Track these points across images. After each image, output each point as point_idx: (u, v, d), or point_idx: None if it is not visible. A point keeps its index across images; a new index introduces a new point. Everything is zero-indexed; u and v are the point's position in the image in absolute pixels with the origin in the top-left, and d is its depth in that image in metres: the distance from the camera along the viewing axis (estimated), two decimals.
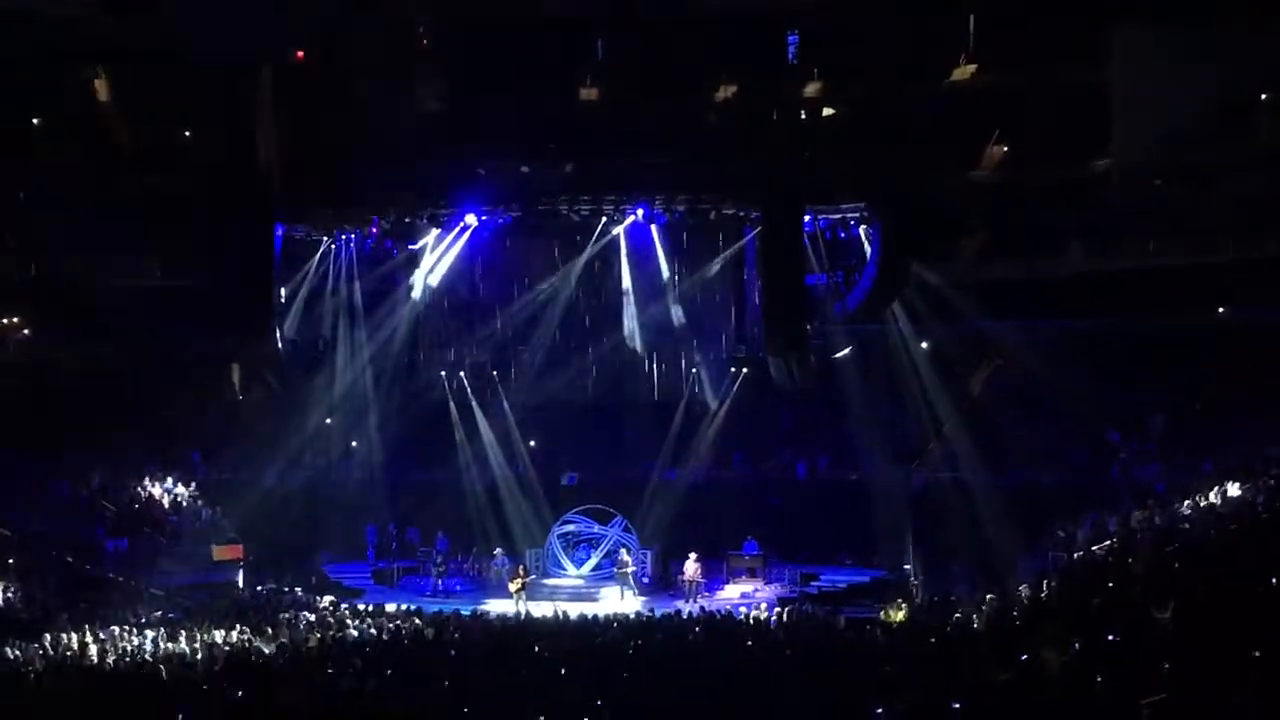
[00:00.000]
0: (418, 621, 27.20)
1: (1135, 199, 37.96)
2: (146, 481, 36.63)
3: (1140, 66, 35.02)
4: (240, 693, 18.59)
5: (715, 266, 40.40)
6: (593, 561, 37.19)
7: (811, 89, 36.71)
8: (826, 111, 37.15)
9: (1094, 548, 28.72)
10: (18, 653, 23.37)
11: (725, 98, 37.02)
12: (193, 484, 37.95)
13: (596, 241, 39.56)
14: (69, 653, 23.67)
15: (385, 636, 25.29)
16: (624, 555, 35.70)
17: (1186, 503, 29.44)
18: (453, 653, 22.56)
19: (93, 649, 23.73)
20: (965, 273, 38.14)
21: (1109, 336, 37.06)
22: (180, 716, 16.69)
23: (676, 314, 40.92)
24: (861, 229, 37.76)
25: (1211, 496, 28.63)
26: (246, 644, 24.20)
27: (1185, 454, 34.90)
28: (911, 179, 35.13)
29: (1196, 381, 36.61)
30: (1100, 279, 37.88)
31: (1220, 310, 37.24)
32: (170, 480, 37.58)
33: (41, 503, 35.37)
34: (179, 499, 37.16)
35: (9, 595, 28.08)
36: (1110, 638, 15.13)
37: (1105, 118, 36.26)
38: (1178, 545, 22.62)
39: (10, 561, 30.06)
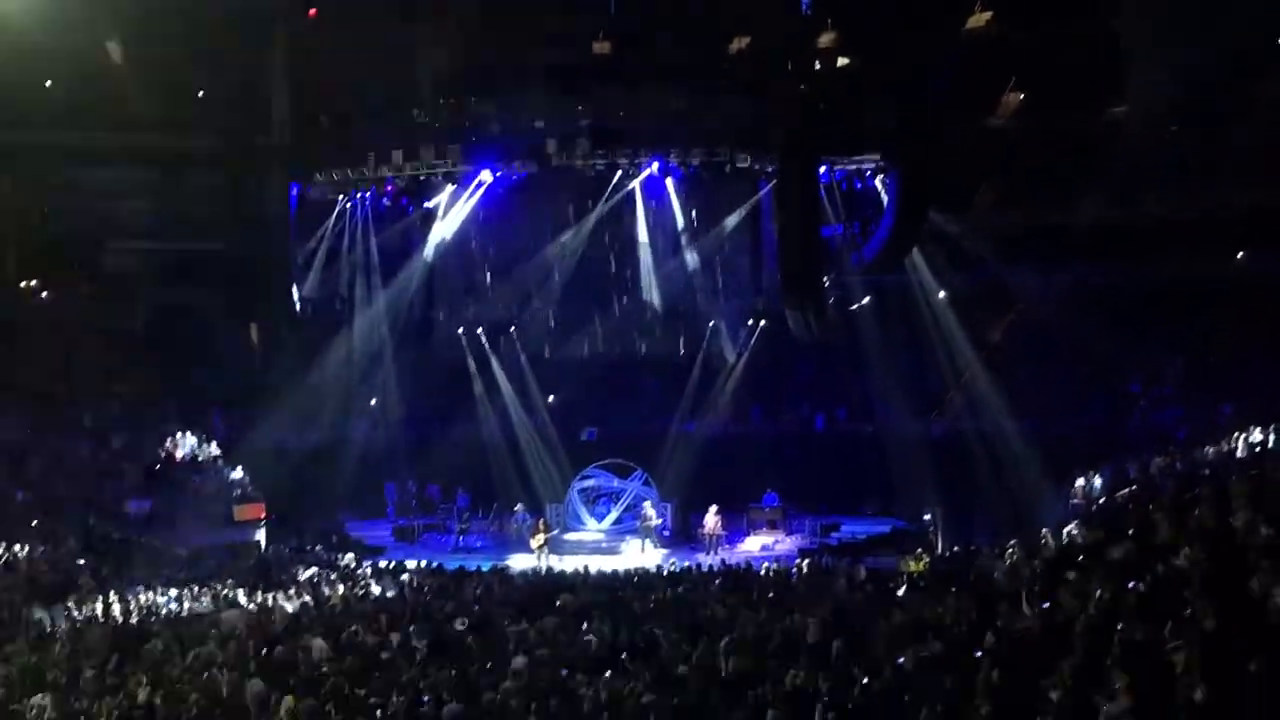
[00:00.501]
0: (439, 578, 27.29)
1: (1151, 147, 37.77)
2: (168, 442, 36.69)
3: (1155, 13, 34.72)
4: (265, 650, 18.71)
5: (731, 219, 40.32)
6: (613, 515, 37.33)
7: (826, 39, 36.45)
8: (841, 62, 36.90)
9: (1114, 495, 28.69)
10: (42, 614, 23.51)
11: (739, 49, 36.81)
12: (213, 443, 38.04)
13: (612, 196, 39.48)
14: (93, 615, 23.81)
15: (407, 594, 25.36)
16: (647, 509, 35.78)
17: (1207, 448, 29.34)
18: (476, 608, 22.63)
19: (116, 609, 23.85)
20: (981, 222, 38.03)
21: (1126, 285, 36.95)
22: (205, 675, 16.78)
23: (693, 267, 40.88)
24: (878, 179, 37.63)
25: (1232, 442, 28.50)
26: (270, 603, 24.31)
27: (1204, 400, 34.84)
28: (927, 129, 34.93)
29: (1214, 328, 36.47)
30: (1116, 227, 37.74)
31: (1237, 256, 37.10)
32: (192, 439, 37.68)
33: (62, 465, 35.49)
34: (201, 458, 37.26)
35: (32, 558, 28.18)
36: (1132, 585, 15.11)
37: (1120, 65, 36.02)
38: (1198, 491, 22.54)
39: (33, 524, 30.17)
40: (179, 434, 36.77)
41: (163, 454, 36.47)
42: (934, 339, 37.55)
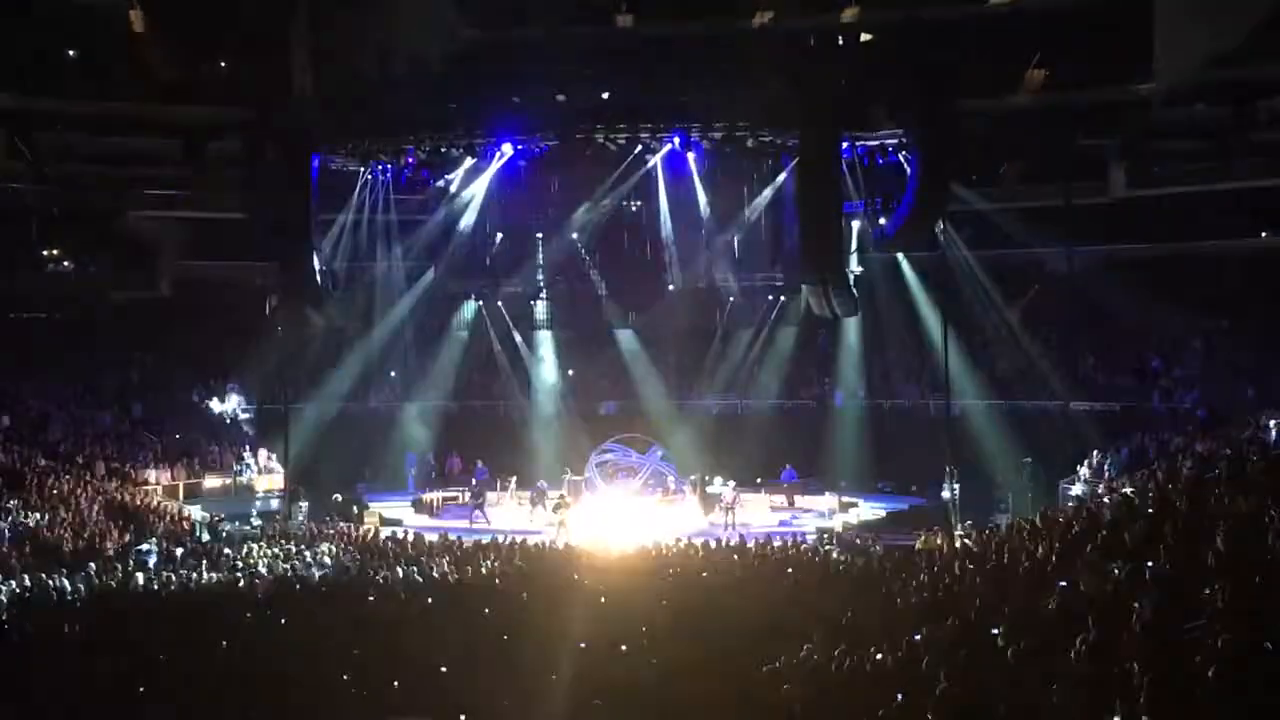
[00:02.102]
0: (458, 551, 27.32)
1: (1177, 122, 37.55)
2: (212, 401, 36.81)
3: None
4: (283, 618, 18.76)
5: (752, 195, 40.19)
6: (631, 489, 37.28)
7: (849, 14, 36.32)
8: (864, 37, 36.75)
9: (1135, 473, 28.60)
10: (65, 582, 23.62)
11: (762, 23, 36.68)
12: (235, 411, 38.16)
13: (633, 170, 39.35)
14: (114, 581, 23.93)
15: (430, 567, 25.39)
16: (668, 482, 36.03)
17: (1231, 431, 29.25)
18: (496, 582, 22.67)
19: (139, 577, 23.96)
20: (1006, 198, 37.90)
21: (1151, 262, 36.80)
22: (225, 643, 16.84)
23: (714, 242, 40.79)
24: (900, 155, 37.45)
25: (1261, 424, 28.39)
26: (290, 570, 24.37)
27: (1227, 380, 34.69)
28: (951, 104, 34.76)
29: (1239, 307, 36.31)
30: (1142, 203, 37.59)
31: (1263, 234, 36.91)
32: (219, 403, 37.74)
33: (84, 433, 35.68)
34: (227, 418, 37.37)
35: (54, 526, 28.33)
36: (1150, 564, 15.07)
37: (1147, 40, 35.79)
38: (1218, 471, 22.46)
39: (54, 492, 30.33)
40: (203, 401, 36.86)
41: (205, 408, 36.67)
42: (953, 316, 37.28)
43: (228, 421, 38.33)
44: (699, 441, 38.27)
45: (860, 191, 37.24)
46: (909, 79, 34.49)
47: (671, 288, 41.27)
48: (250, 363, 39.31)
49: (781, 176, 39.08)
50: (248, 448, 37.82)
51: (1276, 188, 35.86)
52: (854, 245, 37.71)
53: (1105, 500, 25.34)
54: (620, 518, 35.20)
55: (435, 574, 23.39)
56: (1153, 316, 36.74)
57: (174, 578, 23.63)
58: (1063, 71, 37.48)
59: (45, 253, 41.12)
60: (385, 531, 31.29)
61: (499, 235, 41.71)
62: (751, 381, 40.79)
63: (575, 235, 41.20)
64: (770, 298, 40.56)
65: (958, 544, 25.90)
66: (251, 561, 25.38)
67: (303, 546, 27.42)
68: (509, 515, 36.30)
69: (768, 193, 39.96)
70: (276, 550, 26.69)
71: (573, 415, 40.10)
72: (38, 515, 28.46)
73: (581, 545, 28.32)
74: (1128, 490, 24.89)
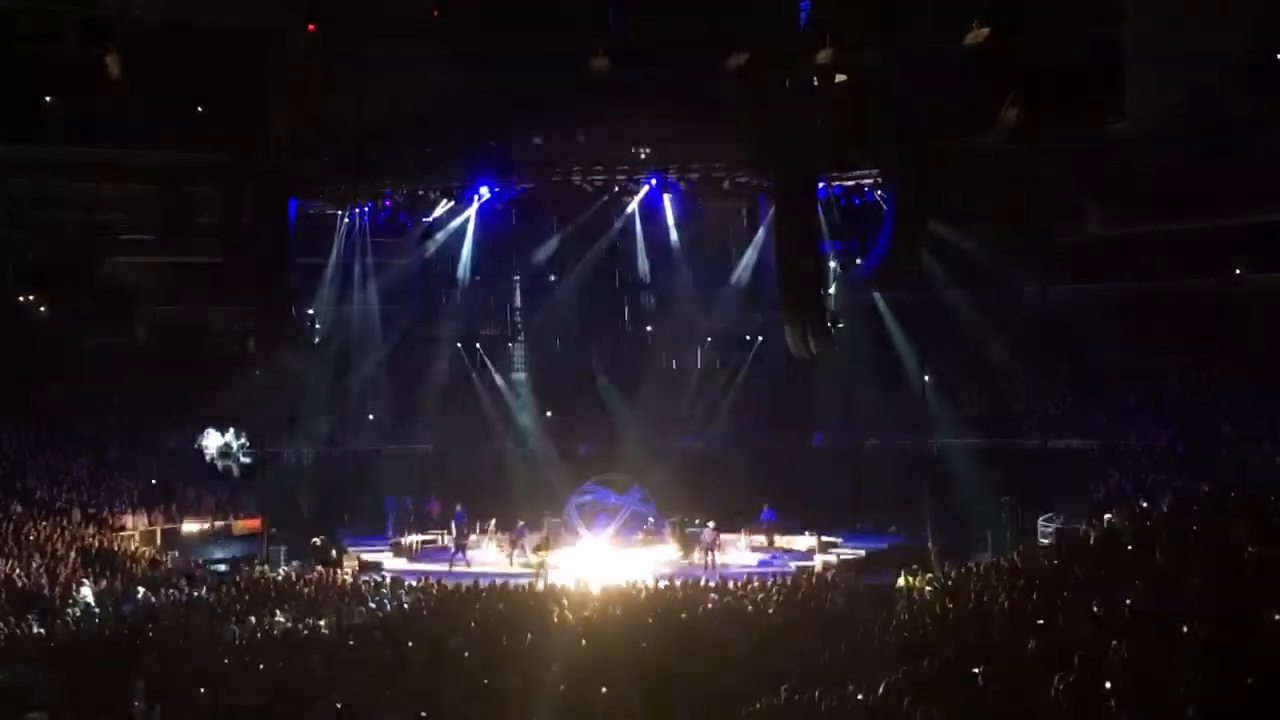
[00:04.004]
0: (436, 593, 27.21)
1: (1152, 161, 37.78)
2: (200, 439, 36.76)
3: (1157, 27, 34.71)
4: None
5: (729, 235, 40.34)
6: (610, 531, 37.19)
7: (823, 56, 36.45)
8: (839, 78, 36.92)
9: (1111, 510, 28.66)
10: (41, 630, 23.48)
11: (737, 65, 36.83)
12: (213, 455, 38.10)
13: (609, 211, 39.50)
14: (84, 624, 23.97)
15: (406, 608, 25.31)
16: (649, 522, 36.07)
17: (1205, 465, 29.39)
18: (473, 624, 22.60)
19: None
20: (981, 237, 38.05)
21: (1127, 300, 36.98)
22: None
23: (690, 282, 40.89)
24: (876, 194, 37.63)
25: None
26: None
27: (1202, 417, 34.82)
28: (925, 143, 34.95)
29: (1213, 343, 36.50)
30: (1116, 241, 37.79)
31: (1238, 273, 37.09)
32: (221, 436, 37.70)
33: (60, 479, 35.51)
34: (234, 447, 37.26)
35: (31, 571, 28.17)
36: (1129, 601, 15.11)
37: (1121, 78, 36.07)
38: (1197, 508, 22.55)
39: (31, 537, 30.17)
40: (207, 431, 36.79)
41: (196, 448, 36.58)
42: (929, 355, 37.43)
43: (219, 464, 38.16)
44: (678, 482, 38.23)
45: (838, 231, 37.45)
46: (884, 118, 34.70)
47: (648, 328, 41.31)
48: (228, 406, 39.21)
49: (758, 216, 39.27)
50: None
51: (1251, 225, 36.09)
52: (832, 284, 37.83)
53: (1088, 532, 25.44)
54: (600, 559, 35.14)
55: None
56: (1129, 353, 36.90)
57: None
58: (1036, 110, 37.71)
59: (21, 299, 40.99)
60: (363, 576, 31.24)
61: (476, 277, 41.66)
62: (729, 421, 40.77)
63: (552, 275, 41.30)
64: (748, 337, 40.59)
65: (937, 583, 25.89)
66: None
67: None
68: (489, 557, 36.22)
69: (745, 232, 40.13)
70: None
71: (552, 456, 40.04)
72: (14, 562, 28.28)
73: (562, 587, 28.24)
74: (1109, 518, 25.03)
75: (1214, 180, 36.57)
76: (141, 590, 27.30)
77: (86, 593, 26.65)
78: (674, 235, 40.04)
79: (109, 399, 39.45)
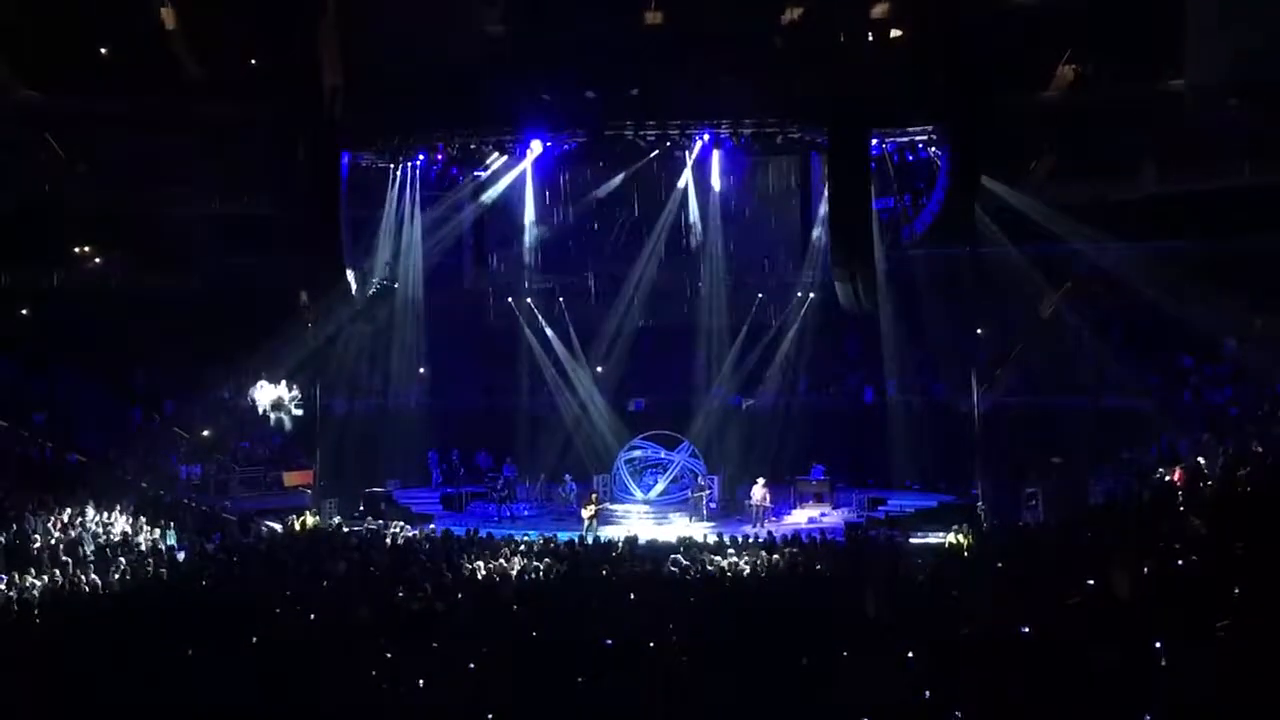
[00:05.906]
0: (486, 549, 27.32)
1: (1208, 119, 37.29)
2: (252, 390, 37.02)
3: None
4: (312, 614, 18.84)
5: (782, 190, 40.12)
6: (660, 487, 37.26)
7: (879, 10, 36.16)
8: (894, 33, 36.59)
9: (1164, 471, 28.46)
10: (95, 577, 23.80)
11: (792, 20, 36.56)
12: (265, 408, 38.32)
13: (662, 166, 39.36)
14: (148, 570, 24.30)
15: (456, 561, 25.44)
16: (700, 480, 35.89)
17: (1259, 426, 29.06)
18: (526, 578, 22.74)
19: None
20: (1036, 195, 37.70)
21: (1181, 258, 36.54)
22: (254, 639, 16.93)
23: (742, 238, 40.74)
24: (931, 151, 37.30)
25: None
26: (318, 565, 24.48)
27: (1258, 377, 34.44)
28: (981, 101, 34.63)
29: (1270, 304, 36.05)
30: (1173, 200, 37.36)
31: None
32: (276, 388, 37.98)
33: (115, 430, 35.88)
34: (288, 399, 37.53)
35: (87, 522, 28.55)
36: (1180, 562, 15.02)
37: (1178, 36, 35.59)
38: (1249, 470, 22.37)
39: (86, 488, 30.53)
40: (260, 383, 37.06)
41: (249, 401, 36.86)
42: (984, 312, 37.10)
43: (271, 417, 38.37)
44: (728, 438, 38.24)
45: (890, 187, 37.19)
46: (939, 74, 34.39)
47: (699, 284, 41.16)
48: (280, 360, 39.42)
49: (811, 172, 39.02)
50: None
51: None
52: (883, 241, 37.58)
53: (1135, 497, 25.27)
54: (649, 514, 35.29)
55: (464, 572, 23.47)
56: (1184, 313, 36.50)
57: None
58: (1093, 68, 37.31)
59: (76, 250, 41.34)
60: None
61: (528, 231, 41.58)
62: (779, 378, 40.65)
63: (604, 231, 41.29)
64: (799, 294, 40.44)
65: (987, 541, 25.86)
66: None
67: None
68: (538, 512, 36.46)
69: (798, 188, 39.92)
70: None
71: (602, 412, 40.08)
72: (68, 512, 28.67)
73: (610, 541, 28.36)
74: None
75: (1271, 139, 36.10)
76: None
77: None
78: (725, 191, 39.83)
79: (162, 351, 39.73)
